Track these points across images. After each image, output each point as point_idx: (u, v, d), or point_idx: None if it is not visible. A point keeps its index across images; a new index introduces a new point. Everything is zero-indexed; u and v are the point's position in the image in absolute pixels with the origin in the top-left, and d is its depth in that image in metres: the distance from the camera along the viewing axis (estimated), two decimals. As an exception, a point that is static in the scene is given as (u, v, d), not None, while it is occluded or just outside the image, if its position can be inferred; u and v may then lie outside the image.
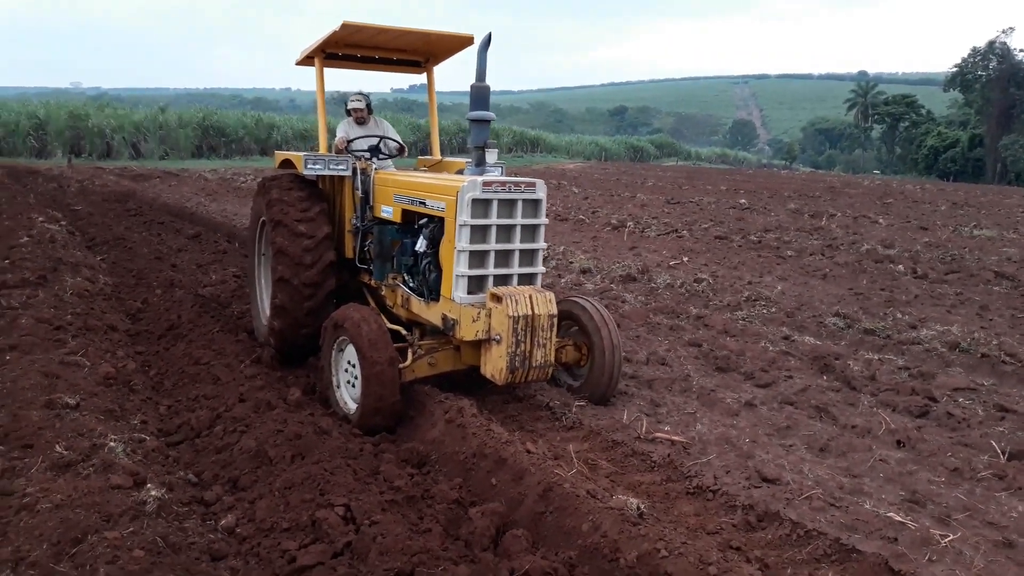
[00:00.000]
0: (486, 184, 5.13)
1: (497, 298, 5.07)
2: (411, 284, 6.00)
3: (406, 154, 7.53)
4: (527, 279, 5.50)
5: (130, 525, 3.49)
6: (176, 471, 4.45)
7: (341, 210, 6.85)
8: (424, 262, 5.71)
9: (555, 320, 5.19)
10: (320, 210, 6.42)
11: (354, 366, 5.26)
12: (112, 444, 4.30)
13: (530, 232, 5.44)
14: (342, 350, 5.49)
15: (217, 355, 6.61)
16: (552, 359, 5.26)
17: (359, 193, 6.50)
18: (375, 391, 5.03)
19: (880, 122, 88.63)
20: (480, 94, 5.40)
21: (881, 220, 20.33)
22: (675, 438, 5.16)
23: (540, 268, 5.54)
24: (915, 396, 6.23)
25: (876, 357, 7.45)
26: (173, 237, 13.85)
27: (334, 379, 5.58)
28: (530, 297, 5.09)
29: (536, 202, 5.40)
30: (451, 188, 5.24)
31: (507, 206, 5.27)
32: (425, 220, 5.74)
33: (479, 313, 5.11)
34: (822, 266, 12.74)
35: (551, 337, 5.18)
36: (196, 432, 5.08)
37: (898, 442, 5.32)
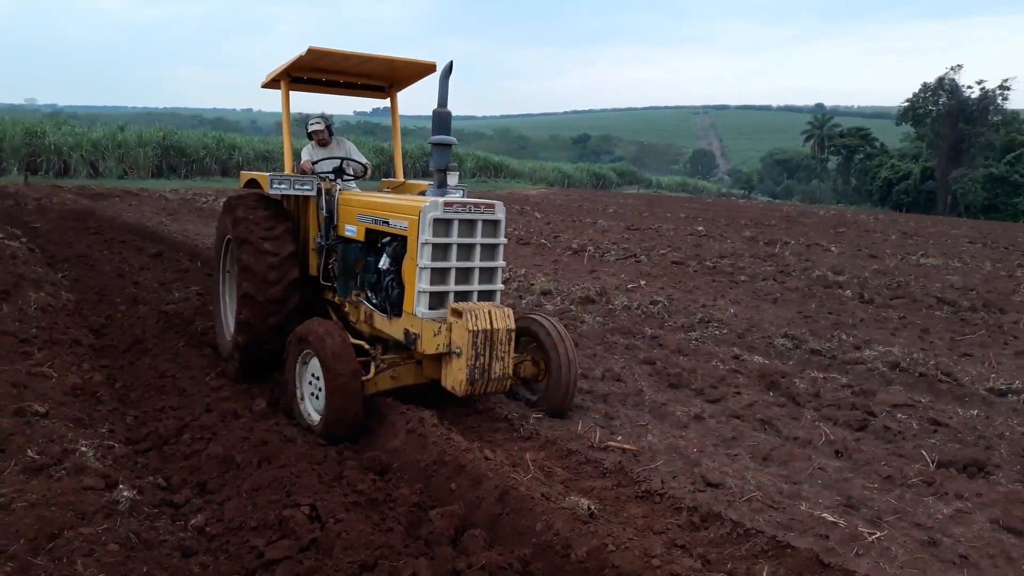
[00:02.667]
0: (447, 204, 5.37)
1: (457, 313, 5.29)
2: (374, 300, 6.19)
3: (369, 175, 7.73)
4: (486, 296, 5.72)
5: (104, 523, 3.65)
6: (145, 476, 4.59)
7: (305, 229, 7.01)
8: (387, 279, 5.90)
9: (513, 334, 5.42)
10: (285, 229, 6.55)
11: (318, 379, 5.43)
12: (83, 449, 4.44)
13: (489, 251, 5.68)
14: (306, 363, 5.65)
15: (183, 368, 6.74)
16: (510, 372, 5.49)
17: (323, 213, 6.66)
18: (338, 403, 5.20)
19: (836, 154, 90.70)
20: (442, 119, 5.65)
21: (833, 248, 20.96)
22: (626, 447, 5.43)
23: (499, 285, 5.77)
24: (855, 411, 6.56)
25: (821, 376, 7.81)
26: (135, 255, 13.85)
27: (298, 391, 5.74)
28: (489, 312, 5.31)
29: (495, 222, 5.65)
30: (414, 208, 5.45)
31: (467, 226, 5.51)
32: (388, 239, 5.93)
33: (440, 327, 5.33)
34: (773, 291, 13.17)
35: (509, 351, 5.41)
36: (164, 440, 5.22)
37: (836, 452, 5.63)
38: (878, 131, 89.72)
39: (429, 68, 7.05)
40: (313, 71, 7.16)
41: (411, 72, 7.30)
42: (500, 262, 5.75)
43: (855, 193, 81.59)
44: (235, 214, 6.60)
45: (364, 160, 7.64)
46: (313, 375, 5.55)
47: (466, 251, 5.56)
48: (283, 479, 4.30)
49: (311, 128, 7.70)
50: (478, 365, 5.28)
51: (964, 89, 67.73)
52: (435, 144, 5.70)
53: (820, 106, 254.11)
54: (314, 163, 7.26)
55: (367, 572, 3.51)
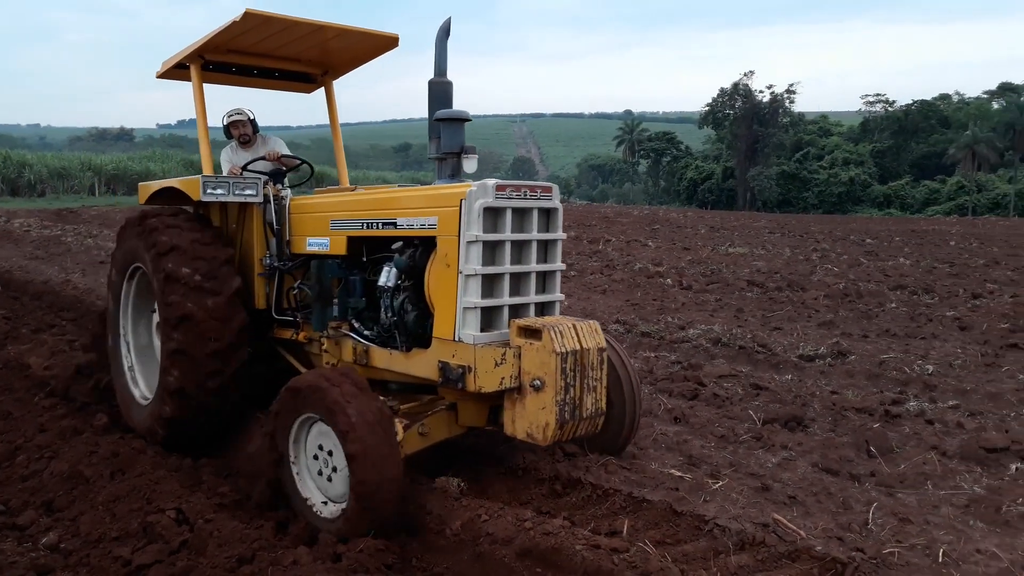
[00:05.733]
0: (499, 188, 4.07)
1: (532, 332, 3.98)
2: (365, 332, 4.79)
3: (312, 176, 6.53)
4: (543, 309, 4.46)
5: (-56, 549, 3.39)
6: (-21, 502, 4.27)
7: (245, 250, 5.52)
8: (398, 300, 4.46)
9: (605, 355, 4.23)
10: (226, 257, 5.16)
11: (330, 454, 4.00)
12: (-96, 479, 4.08)
13: (545, 249, 4.45)
14: (308, 429, 4.16)
15: (3, 392, 6.25)
16: (603, 406, 4.22)
17: (274, 225, 5.33)
18: (376, 510, 3.76)
19: (645, 157, 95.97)
20: (442, 90, 4.62)
21: (650, 243, 22.26)
22: (488, 427, 5.59)
23: (559, 295, 4.53)
24: (687, 383, 7.09)
25: (653, 354, 8.36)
26: (-79, 282, 12.60)
27: (294, 467, 4.17)
28: (575, 328, 4.04)
29: (551, 211, 4.42)
30: (448, 196, 4.14)
31: (519, 217, 4.23)
32: (400, 244, 4.50)
33: (504, 354, 3.98)
34: (602, 283, 13.87)
35: (602, 378, 4.17)
36: (-5, 464, 4.85)
37: (675, 419, 6.08)
38: (683, 135, 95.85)
39: (391, 42, 5.86)
40: (230, 52, 5.73)
41: (363, 50, 6.02)
42: (559, 264, 4.51)
43: (664, 193, 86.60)
44: (155, 238, 5.03)
45: (306, 161, 6.39)
46: (323, 448, 4.05)
47: (516, 250, 4.27)
48: (141, 487, 4.15)
49: (230, 120, 6.34)
50: (568, 400, 3.95)
51: (756, 93, 73.67)
52: (443, 120, 4.46)
53: (629, 112, 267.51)
54: (243, 168, 5.86)
55: (246, 565, 3.48)
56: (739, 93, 74.33)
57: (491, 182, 4.03)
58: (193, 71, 5.68)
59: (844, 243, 23.96)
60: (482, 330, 4.06)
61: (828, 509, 4.45)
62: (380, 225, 4.57)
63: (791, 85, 73.45)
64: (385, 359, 4.56)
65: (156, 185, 5.76)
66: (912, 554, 3.76)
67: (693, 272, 15.43)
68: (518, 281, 4.27)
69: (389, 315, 4.48)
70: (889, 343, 9.08)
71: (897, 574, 3.49)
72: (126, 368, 5.67)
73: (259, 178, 5.36)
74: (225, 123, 6.37)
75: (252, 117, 6.41)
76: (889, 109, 76.51)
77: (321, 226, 5.03)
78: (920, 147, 72.64)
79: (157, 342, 5.43)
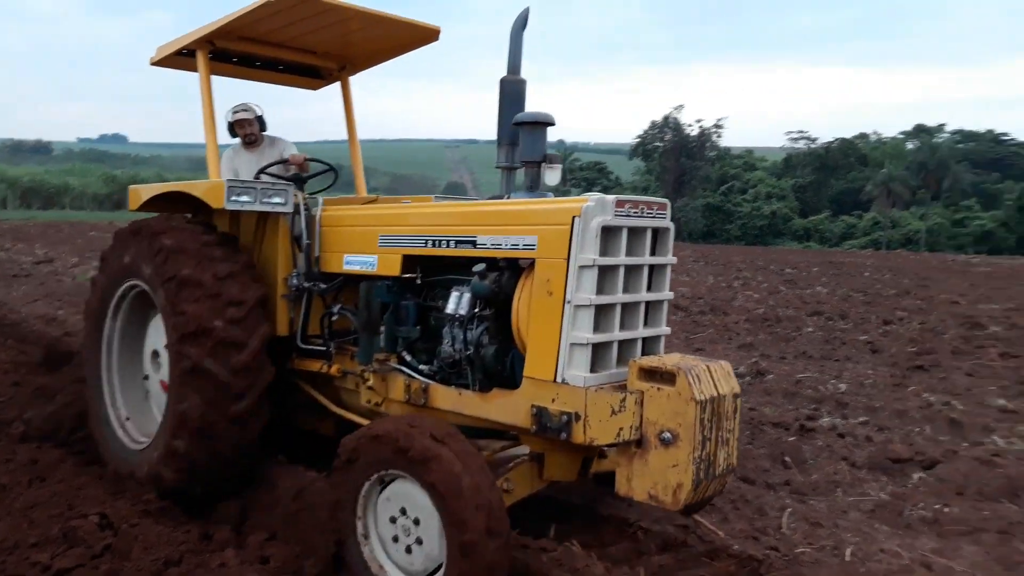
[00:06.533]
0: (619, 204, 3.45)
1: (659, 374, 3.29)
2: (423, 367, 4.11)
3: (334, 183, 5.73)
4: (645, 346, 3.76)
5: None
6: None
7: (263, 266, 4.78)
8: (473, 330, 3.77)
9: (739, 402, 3.54)
10: (244, 263, 4.52)
11: (416, 523, 3.39)
12: None
13: (656, 276, 3.79)
14: (385, 484, 3.52)
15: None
16: (735, 461, 3.56)
17: (304, 239, 4.63)
18: None
19: (577, 186, 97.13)
20: (516, 90, 4.12)
21: (581, 268, 22.64)
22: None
23: (666, 328, 3.88)
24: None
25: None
26: None
27: (365, 537, 3.56)
28: (708, 370, 3.36)
29: (665, 231, 3.75)
30: (556, 212, 3.49)
31: (632, 238, 3.57)
32: (482, 267, 3.74)
33: (623, 400, 3.29)
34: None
35: (735, 428, 3.50)
36: (-98, 474, 4.68)
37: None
38: (613, 165, 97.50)
39: (428, 35, 5.19)
40: (242, 39, 5.10)
41: (395, 42, 5.35)
42: (667, 293, 3.85)
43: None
44: (159, 243, 4.36)
45: (328, 164, 5.66)
46: (404, 511, 3.42)
47: (625, 277, 3.58)
48: (62, 494, 4.09)
49: (235, 118, 5.60)
50: (704, 456, 3.26)
51: (685, 127, 75.69)
52: (523, 124, 3.91)
53: (561, 142, 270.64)
54: (258, 173, 5.18)
55: (173, 567, 3.46)
56: (669, 126, 76.25)
57: (609, 197, 3.44)
58: (200, 59, 5.02)
59: (765, 272, 24.77)
60: (593, 371, 3.42)
61: (745, 515, 4.65)
62: (453, 243, 3.88)
63: (719, 120, 75.74)
64: (452, 400, 3.86)
65: (155, 189, 5.02)
66: (822, 554, 3.97)
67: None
68: (624, 313, 3.59)
69: (458, 348, 3.80)
70: (805, 364, 9.46)
71: (808, 571, 3.68)
72: (107, 400, 4.93)
73: (288, 185, 4.66)
74: (229, 120, 5.64)
75: (260, 114, 5.72)
76: (811, 146, 79.58)
77: (366, 242, 4.36)
78: (839, 183, 75.60)
79: (152, 373, 4.89)
